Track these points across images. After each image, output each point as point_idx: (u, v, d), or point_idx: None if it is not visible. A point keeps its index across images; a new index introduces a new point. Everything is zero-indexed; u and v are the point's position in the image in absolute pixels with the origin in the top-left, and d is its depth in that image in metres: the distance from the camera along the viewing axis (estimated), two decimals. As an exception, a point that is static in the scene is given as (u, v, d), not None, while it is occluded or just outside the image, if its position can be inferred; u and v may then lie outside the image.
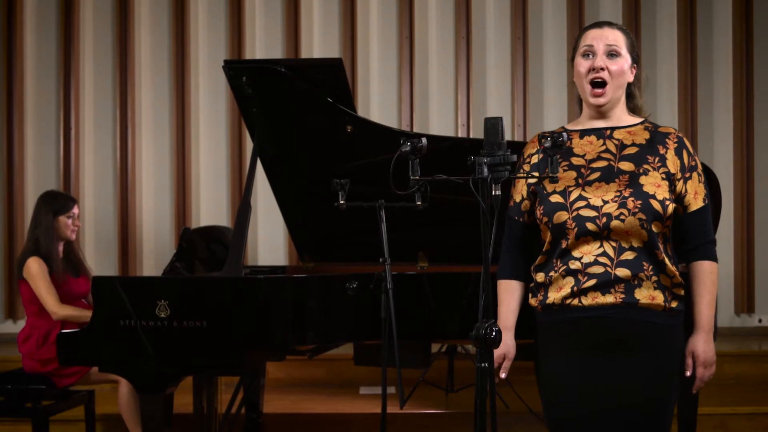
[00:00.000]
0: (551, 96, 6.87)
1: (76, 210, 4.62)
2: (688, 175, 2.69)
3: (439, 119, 6.89)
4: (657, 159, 2.66)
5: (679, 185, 2.67)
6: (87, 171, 6.86)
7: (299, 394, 5.62)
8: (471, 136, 6.77)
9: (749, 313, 6.93)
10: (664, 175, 2.64)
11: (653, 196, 2.60)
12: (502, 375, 2.75)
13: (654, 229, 2.60)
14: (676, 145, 2.70)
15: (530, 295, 2.75)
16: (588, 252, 2.61)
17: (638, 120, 2.76)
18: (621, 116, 2.76)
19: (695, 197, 2.69)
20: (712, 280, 2.70)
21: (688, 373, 2.69)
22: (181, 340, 3.56)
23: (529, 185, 2.76)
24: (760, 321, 6.94)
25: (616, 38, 2.71)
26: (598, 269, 2.60)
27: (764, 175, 6.93)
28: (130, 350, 3.60)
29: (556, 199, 2.66)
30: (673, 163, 2.67)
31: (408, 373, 4.67)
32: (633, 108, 2.79)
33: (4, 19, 6.86)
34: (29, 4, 6.89)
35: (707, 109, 6.92)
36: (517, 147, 2.80)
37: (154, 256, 6.82)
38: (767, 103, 6.93)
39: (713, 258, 2.72)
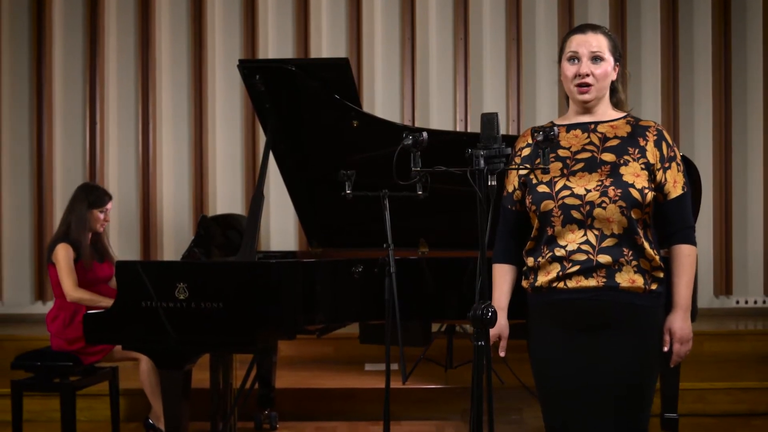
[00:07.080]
0: (543, 93, 6.86)
1: (109, 206, 4.58)
2: (667, 165, 2.67)
3: (438, 115, 6.88)
4: (637, 151, 2.66)
5: (659, 175, 2.66)
6: (111, 163, 6.86)
7: (309, 371, 5.62)
8: (469, 130, 6.76)
9: (727, 295, 6.94)
10: (643, 166, 2.63)
11: (632, 185, 2.59)
12: (501, 354, 2.75)
13: (633, 215, 2.59)
14: (655, 137, 2.68)
15: (523, 278, 2.75)
16: (572, 240, 2.61)
17: (621, 114, 2.75)
18: (605, 111, 2.75)
19: (674, 185, 2.68)
20: (690, 263, 2.69)
21: (666, 349, 2.69)
22: (198, 321, 3.56)
23: (520, 176, 2.75)
24: (737, 302, 6.95)
25: (600, 43, 2.69)
26: (581, 256, 2.60)
27: (742, 166, 6.93)
28: (151, 330, 3.60)
29: (543, 189, 2.65)
30: (652, 154, 2.66)
31: (410, 351, 4.68)
32: (616, 102, 2.78)
33: (34, 21, 6.86)
34: (57, 8, 6.88)
35: (688, 103, 6.92)
36: (512, 141, 2.81)
37: (174, 242, 6.82)
38: (744, 97, 6.93)
39: (692, 242, 2.71)
